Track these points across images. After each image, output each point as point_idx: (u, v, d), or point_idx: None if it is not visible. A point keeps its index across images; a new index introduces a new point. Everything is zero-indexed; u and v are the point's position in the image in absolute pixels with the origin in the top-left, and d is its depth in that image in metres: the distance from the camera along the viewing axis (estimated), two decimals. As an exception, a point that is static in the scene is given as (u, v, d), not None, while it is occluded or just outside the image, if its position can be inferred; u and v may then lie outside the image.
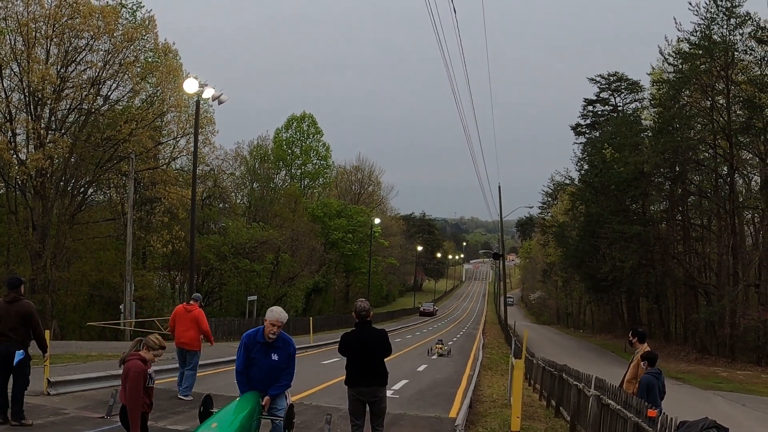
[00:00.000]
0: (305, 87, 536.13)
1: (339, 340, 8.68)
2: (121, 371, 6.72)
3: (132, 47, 38.10)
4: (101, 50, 37.19)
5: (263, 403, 7.22)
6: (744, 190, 43.76)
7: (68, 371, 14.91)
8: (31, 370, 9.86)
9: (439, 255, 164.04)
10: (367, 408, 8.62)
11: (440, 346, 33.96)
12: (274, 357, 7.33)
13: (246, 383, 7.38)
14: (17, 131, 36.27)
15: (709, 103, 40.46)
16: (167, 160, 44.42)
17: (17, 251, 39.17)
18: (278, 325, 7.29)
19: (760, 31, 37.75)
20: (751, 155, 41.48)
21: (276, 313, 7.31)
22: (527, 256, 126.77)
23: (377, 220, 79.92)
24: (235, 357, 7.89)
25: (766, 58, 38.43)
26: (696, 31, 39.73)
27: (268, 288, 51.59)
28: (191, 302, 13.71)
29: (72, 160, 37.97)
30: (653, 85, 47.69)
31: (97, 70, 37.31)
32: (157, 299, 45.75)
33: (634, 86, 65.63)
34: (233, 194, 63.17)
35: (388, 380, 8.69)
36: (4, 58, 34.77)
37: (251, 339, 7.42)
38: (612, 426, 9.29)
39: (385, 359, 8.60)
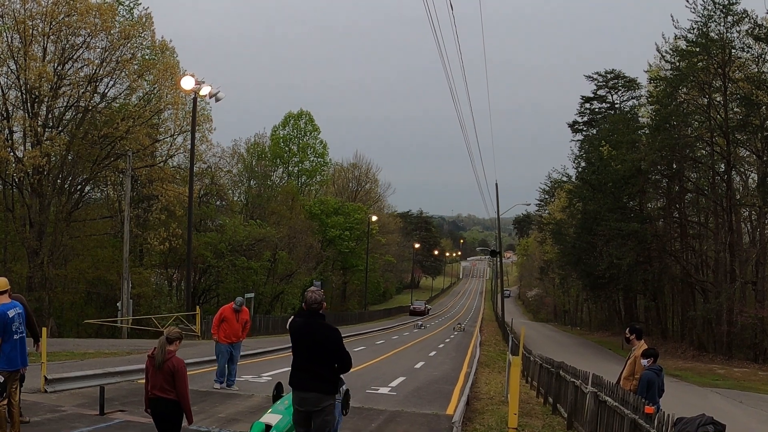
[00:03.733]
0: (302, 84, 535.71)
1: None
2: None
3: (129, 44, 38.06)
4: (98, 48, 37.20)
5: None
6: (741, 188, 43.82)
7: (65, 369, 14.88)
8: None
9: (436, 252, 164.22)
10: None
11: (460, 325, 55.45)
12: None
13: None
14: (14, 129, 36.25)
15: (706, 100, 40.49)
16: (164, 158, 44.37)
17: (14, 249, 39.15)
18: None
19: (757, 29, 37.79)
20: (748, 152, 41.54)
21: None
22: (524, 253, 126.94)
23: (374, 218, 79.91)
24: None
25: (763, 56, 38.48)
26: (693, 29, 39.79)
27: (265, 285, 51.57)
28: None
29: (69, 157, 37.94)
30: (650, 83, 47.73)
31: (94, 68, 37.26)
32: (155, 297, 45.75)
33: (631, 84, 65.68)
34: (230, 192, 63.21)
35: (337, 389, 7.34)
36: (1, 56, 34.71)
37: None
38: (609, 423, 9.30)
39: (344, 368, 7.25)
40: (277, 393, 8.28)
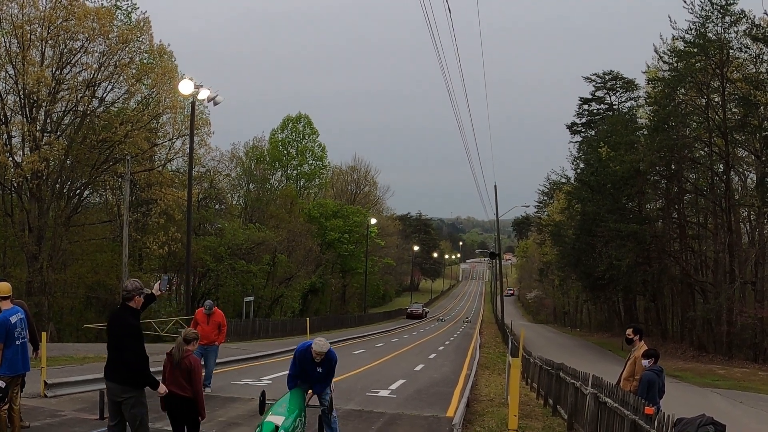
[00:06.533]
0: (303, 89, 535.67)
1: None
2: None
3: (127, 49, 37.99)
4: (96, 52, 37.11)
5: (307, 398, 9.17)
6: (740, 188, 43.82)
7: (65, 373, 14.88)
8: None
9: (435, 255, 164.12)
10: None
11: (468, 318, 70.07)
12: (319, 369, 9.07)
13: (294, 383, 9.09)
14: (12, 133, 36.17)
15: (704, 101, 40.51)
16: (163, 162, 44.35)
17: (13, 254, 39.08)
18: (322, 354, 8.88)
19: (755, 29, 37.82)
20: (746, 153, 41.54)
21: (320, 347, 8.83)
22: (524, 255, 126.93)
23: (373, 221, 79.80)
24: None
25: (761, 56, 38.51)
26: (691, 29, 39.82)
27: (264, 289, 51.54)
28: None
29: (68, 162, 37.90)
30: (648, 84, 47.77)
31: (92, 72, 37.21)
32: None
33: (629, 85, 65.71)
34: (229, 195, 63.15)
35: (140, 383, 7.25)
36: (-1, 61, 34.70)
37: (303, 355, 9.02)
38: (609, 424, 9.30)
39: (135, 365, 7.21)
40: (263, 399, 8.56)
